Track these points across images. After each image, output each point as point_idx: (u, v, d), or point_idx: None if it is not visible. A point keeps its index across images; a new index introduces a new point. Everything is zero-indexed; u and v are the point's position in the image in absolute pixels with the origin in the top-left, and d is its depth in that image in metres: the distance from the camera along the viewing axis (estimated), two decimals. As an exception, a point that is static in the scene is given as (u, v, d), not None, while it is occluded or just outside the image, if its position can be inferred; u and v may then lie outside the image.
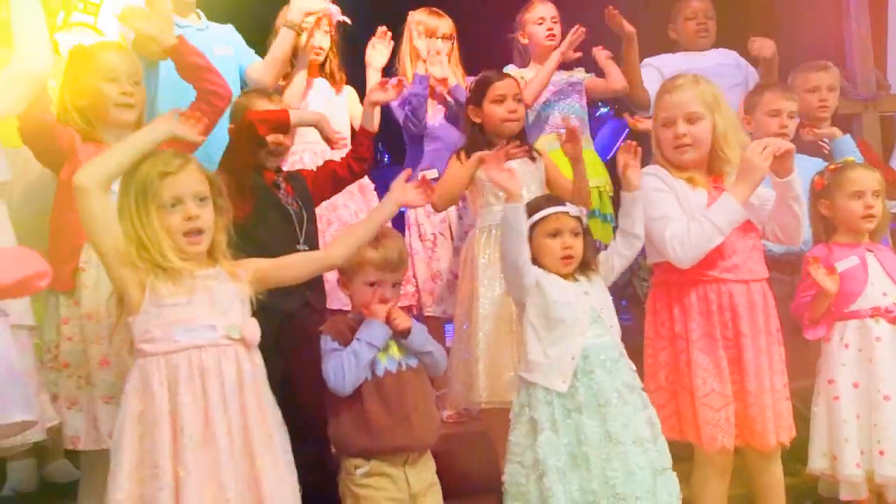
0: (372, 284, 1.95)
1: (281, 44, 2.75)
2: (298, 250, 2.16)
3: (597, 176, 3.14)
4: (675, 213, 2.17)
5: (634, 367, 2.08)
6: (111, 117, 2.09)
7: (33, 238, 2.04)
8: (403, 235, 2.77)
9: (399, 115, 3.00)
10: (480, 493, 2.36)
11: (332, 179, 2.41)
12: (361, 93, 2.98)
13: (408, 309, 2.50)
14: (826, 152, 2.99)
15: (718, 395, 2.15)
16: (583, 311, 2.02)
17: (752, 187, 2.13)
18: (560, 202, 2.11)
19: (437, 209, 2.63)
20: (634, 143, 2.18)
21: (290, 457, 1.75)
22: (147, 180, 1.67)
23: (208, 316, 1.68)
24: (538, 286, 2.02)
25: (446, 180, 2.56)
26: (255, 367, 1.73)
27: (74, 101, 2.09)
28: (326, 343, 1.93)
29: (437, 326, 2.91)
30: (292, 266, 1.91)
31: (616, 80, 3.22)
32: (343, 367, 1.87)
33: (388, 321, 1.92)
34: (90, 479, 2.06)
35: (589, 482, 1.91)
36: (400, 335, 1.95)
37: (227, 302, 1.72)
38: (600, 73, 3.27)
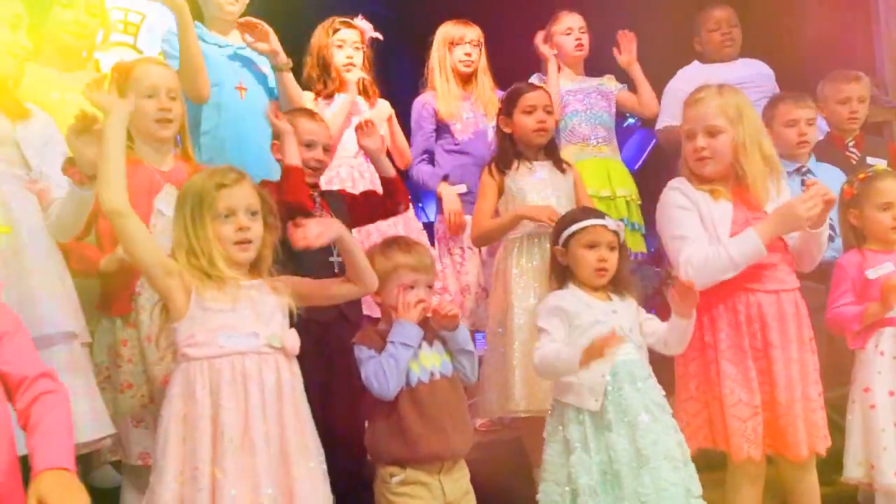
0: (406, 288, 1.93)
1: None
2: (331, 262, 2.16)
3: (625, 186, 3.12)
4: (694, 234, 2.15)
5: (664, 392, 2.04)
6: (150, 133, 2.11)
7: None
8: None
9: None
10: (513, 501, 2.33)
11: (369, 212, 2.43)
12: (393, 105, 3.02)
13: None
14: (854, 163, 2.93)
15: (746, 405, 2.12)
16: (612, 330, 1.96)
17: (781, 232, 2.10)
18: (600, 215, 2.09)
19: (475, 244, 2.65)
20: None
21: (324, 466, 1.75)
22: (204, 191, 1.71)
23: (251, 324, 1.70)
24: (566, 313, 2.00)
25: (482, 226, 2.57)
26: (293, 377, 1.74)
27: None
28: (361, 352, 1.91)
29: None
30: (327, 289, 1.91)
31: (648, 103, 3.22)
32: (384, 372, 1.85)
33: (436, 316, 1.91)
34: (133, 487, 2.07)
35: (622, 500, 1.88)
36: (448, 327, 1.93)
37: (268, 312, 1.74)
38: (632, 84, 3.25)
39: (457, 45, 3.04)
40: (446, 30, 3.07)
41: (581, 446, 1.94)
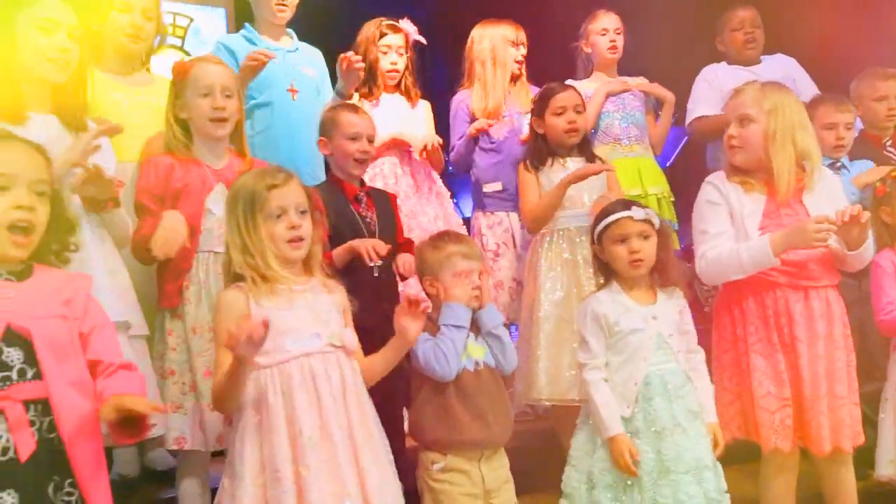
0: (460, 276, 1.93)
1: None
2: (370, 267, 2.16)
3: (657, 184, 3.10)
4: (717, 229, 2.16)
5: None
6: (206, 131, 2.09)
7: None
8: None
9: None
10: (550, 489, 2.32)
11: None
12: (434, 106, 3.00)
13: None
14: (891, 156, 2.89)
15: (774, 397, 2.11)
16: (649, 338, 1.96)
17: (793, 246, 2.07)
18: (626, 206, 2.03)
19: (531, 232, 2.65)
20: None
21: (390, 455, 1.77)
22: (255, 192, 1.70)
23: (312, 325, 1.70)
24: (606, 321, 1.97)
25: (534, 209, 2.57)
26: (354, 373, 1.75)
27: (176, 115, 2.10)
28: (420, 340, 1.89)
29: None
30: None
31: (657, 140, 3.22)
32: (444, 354, 1.86)
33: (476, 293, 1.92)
34: (187, 469, 2.10)
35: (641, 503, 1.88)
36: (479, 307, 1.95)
37: (326, 312, 1.74)
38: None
39: (515, 46, 3.01)
40: (505, 31, 3.02)
41: (606, 445, 1.93)
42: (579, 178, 2.45)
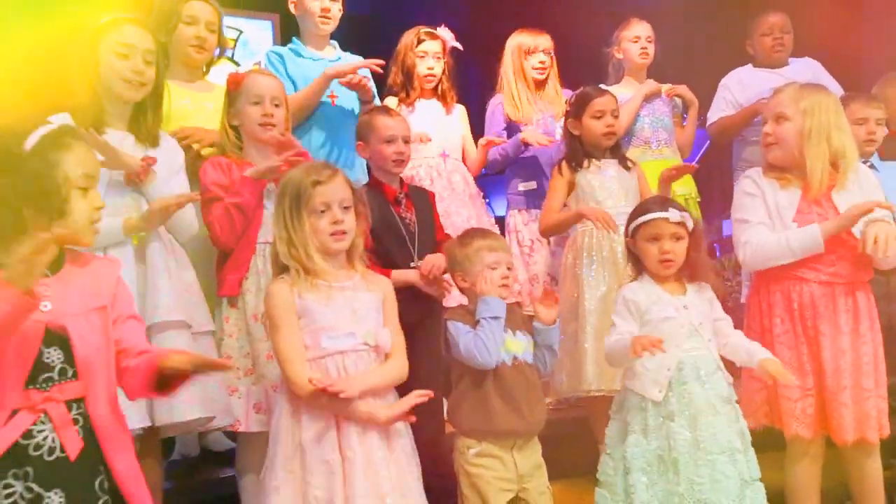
0: (491, 268, 1.90)
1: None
2: (412, 268, 2.17)
3: (684, 185, 3.07)
4: (757, 218, 2.14)
5: (731, 380, 1.99)
6: (256, 135, 2.13)
7: (205, 250, 2.15)
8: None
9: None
10: (581, 475, 2.32)
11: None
12: (469, 108, 3.00)
13: (516, 305, 2.47)
14: None
15: (797, 387, 2.08)
16: (681, 326, 1.94)
17: (841, 229, 2.04)
18: (663, 207, 2.00)
19: (542, 236, 2.66)
20: None
21: (412, 443, 1.77)
22: (301, 187, 1.70)
23: (349, 324, 1.70)
24: (637, 307, 1.96)
25: (548, 219, 2.57)
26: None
27: (230, 121, 2.17)
28: (457, 328, 1.89)
29: (525, 321, 2.87)
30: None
31: (684, 141, 3.19)
32: (486, 344, 1.85)
33: (544, 299, 1.92)
34: (245, 450, 2.13)
35: (676, 486, 1.85)
36: (546, 321, 1.95)
37: (364, 310, 1.73)
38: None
39: (531, 53, 2.99)
40: (520, 39, 3.02)
41: (640, 431, 1.92)
42: (590, 219, 2.42)
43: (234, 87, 2.14)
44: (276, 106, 2.13)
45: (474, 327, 1.89)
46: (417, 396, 1.70)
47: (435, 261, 2.18)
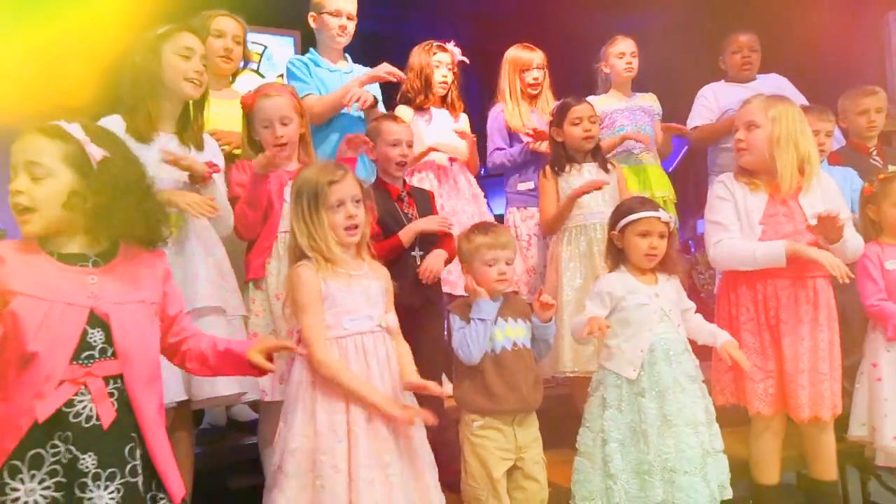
0: (488, 264, 1.90)
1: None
2: (413, 256, 2.18)
3: (662, 188, 3.09)
4: (727, 221, 2.16)
5: (698, 362, 2.02)
6: (272, 153, 2.12)
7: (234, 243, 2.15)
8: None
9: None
10: (565, 446, 2.32)
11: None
12: (471, 118, 3.00)
13: (514, 294, 2.50)
14: (877, 165, 2.84)
15: (759, 369, 2.12)
16: (653, 312, 1.98)
17: (804, 257, 2.04)
18: (654, 207, 2.05)
19: (546, 235, 2.66)
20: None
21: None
22: (318, 186, 1.71)
23: (366, 308, 1.72)
24: (612, 296, 1.99)
25: (549, 218, 2.58)
26: (392, 349, 1.75)
27: (250, 137, 2.20)
28: (455, 322, 1.92)
29: (525, 309, 2.89)
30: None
31: (662, 149, 3.21)
32: (468, 343, 1.87)
33: (539, 306, 1.91)
34: (267, 419, 2.14)
35: (646, 454, 1.89)
36: (543, 318, 1.94)
37: (375, 296, 1.75)
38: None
39: (525, 70, 3.00)
40: (515, 55, 3.02)
41: (615, 406, 1.95)
42: (584, 191, 2.44)
43: (248, 109, 2.18)
44: (285, 125, 2.13)
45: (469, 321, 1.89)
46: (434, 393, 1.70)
47: (430, 265, 2.19)
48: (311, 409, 1.64)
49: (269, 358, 1.51)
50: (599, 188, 2.45)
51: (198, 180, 1.91)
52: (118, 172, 1.36)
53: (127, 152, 1.42)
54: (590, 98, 2.82)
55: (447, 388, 2.09)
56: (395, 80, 2.58)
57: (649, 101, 3.20)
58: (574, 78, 3.24)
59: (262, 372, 1.50)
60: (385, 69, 2.56)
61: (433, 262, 2.19)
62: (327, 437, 1.62)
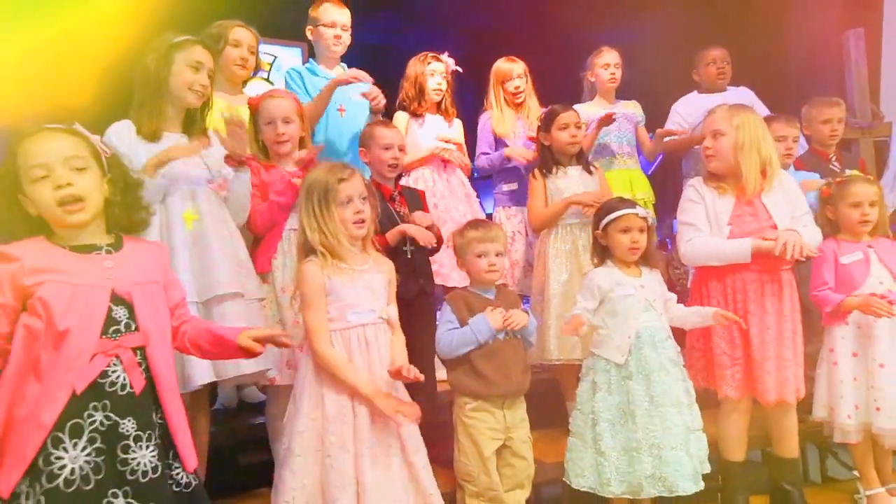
0: (479, 256, 1.92)
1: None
2: (405, 250, 2.20)
3: (643, 190, 3.11)
4: (698, 222, 2.18)
5: (679, 349, 2.05)
6: (274, 150, 2.18)
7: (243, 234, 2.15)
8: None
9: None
10: (550, 426, 2.38)
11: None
12: (466, 125, 3.02)
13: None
14: (835, 170, 2.87)
15: (728, 356, 2.15)
16: (638, 302, 2.00)
17: (766, 249, 2.07)
18: (632, 205, 2.08)
19: (535, 233, 2.67)
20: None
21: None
22: (329, 184, 1.72)
23: (368, 302, 1.73)
24: (600, 289, 2.01)
25: (539, 216, 2.58)
26: (391, 340, 1.77)
27: (257, 136, 2.21)
28: (446, 314, 1.93)
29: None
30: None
31: (648, 153, 3.23)
32: (453, 343, 1.90)
33: (506, 324, 1.89)
34: (275, 401, 2.15)
35: (634, 433, 1.92)
36: (518, 332, 1.95)
37: (378, 289, 1.76)
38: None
39: (506, 80, 3.02)
40: (497, 67, 3.05)
41: (605, 389, 1.97)
42: (578, 202, 2.46)
43: (254, 109, 2.20)
44: (287, 123, 2.14)
45: (463, 313, 1.90)
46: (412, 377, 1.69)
47: (420, 218, 2.22)
48: (318, 393, 1.67)
49: (260, 344, 1.50)
50: (590, 203, 2.42)
51: (238, 161, 1.93)
52: (122, 167, 1.42)
53: (116, 150, 1.45)
54: (575, 106, 2.85)
55: (441, 373, 2.11)
56: (356, 81, 2.56)
57: (632, 108, 3.22)
58: (563, 87, 3.26)
59: (252, 354, 1.50)
60: (350, 73, 2.54)
61: (420, 217, 2.20)
62: (335, 419, 1.64)
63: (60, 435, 1.26)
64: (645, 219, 2.05)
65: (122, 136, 1.85)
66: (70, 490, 1.23)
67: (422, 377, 1.68)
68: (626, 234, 2.03)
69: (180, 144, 1.90)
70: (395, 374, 1.68)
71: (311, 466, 1.62)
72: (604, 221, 2.06)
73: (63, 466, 1.25)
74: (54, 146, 1.33)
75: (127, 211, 1.41)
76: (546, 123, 2.61)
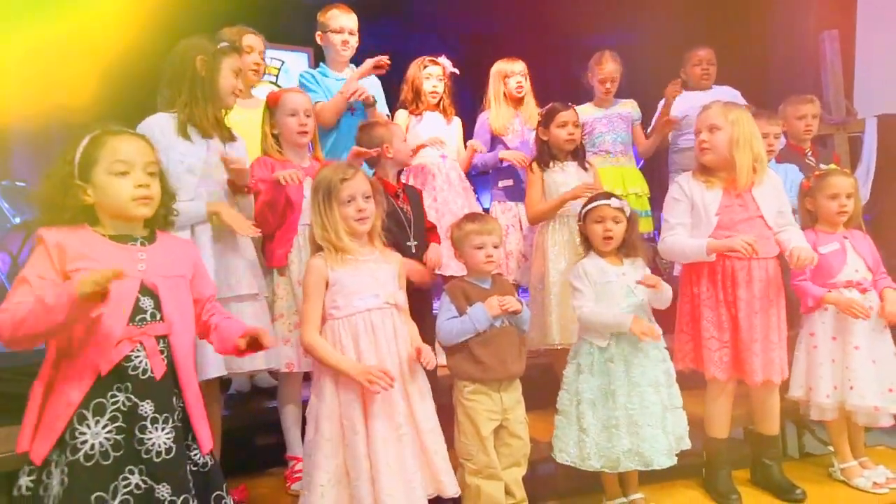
0: (477, 248, 1.90)
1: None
2: (408, 245, 2.17)
3: (636, 185, 3.07)
4: (676, 221, 2.15)
5: (661, 331, 2.01)
6: (293, 140, 2.13)
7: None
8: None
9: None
10: (544, 407, 2.32)
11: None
12: (465, 125, 2.97)
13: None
14: (811, 164, 2.84)
15: (716, 339, 2.12)
16: (620, 288, 1.98)
17: (722, 249, 2.04)
18: (606, 197, 2.04)
19: (531, 224, 2.63)
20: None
21: (428, 386, 1.77)
22: (332, 183, 1.71)
23: (373, 287, 1.70)
24: (589, 276, 1.98)
25: (536, 209, 2.53)
26: (403, 324, 1.75)
27: (271, 131, 2.15)
28: (445, 303, 1.90)
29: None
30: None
31: (644, 151, 3.17)
32: (453, 332, 1.87)
33: (503, 308, 1.85)
34: (286, 387, 2.13)
35: (614, 411, 1.90)
36: (512, 315, 1.91)
37: (384, 277, 1.74)
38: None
39: (509, 77, 2.97)
40: (500, 65, 2.99)
41: (588, 371, 1.95)
42: (575, 196, 2.41)
43: (274, 103, 2.14)
44: (308, 117, 2.13)
45: (461, 302, 1.88)
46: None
47: (433, 257, 2.20)
48: (335, 380, 1.65)
49: (258, 341, 1.48)
50: (585, 194, 2.35)
51: (240, 188, 1.90)
52: (165, 177, 1.48)
53: (158, 143, 1.51)
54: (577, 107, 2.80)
55: (440, 357, 2.06)
56: (384, 68, 2.53)
57: (628, 107, 3.16)
58: (560, 89, 3.17)
59: (244, 353, 1.50)
60: (371, 63, 2.51)
61: (434, 254, 2.20)
62: (348, 405, 1.64)
63: (85, 412, 1.28)
64: (620, 209, 2.00)
65: (165, 131, 1.81)
66: (89, 464, 1.26)
67: (433, 365, 1.67)
68: (599, 224, 1.99)
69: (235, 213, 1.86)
70: (417, 353, 1.69)
71: (339, 449, 1.63)
72: (581, 213, 2.05)
73: (85, 441, 1.27)
74: (138, 149, 1.40)
75: (165, 213, 1.47)
76: (546, 120, 2.58)
